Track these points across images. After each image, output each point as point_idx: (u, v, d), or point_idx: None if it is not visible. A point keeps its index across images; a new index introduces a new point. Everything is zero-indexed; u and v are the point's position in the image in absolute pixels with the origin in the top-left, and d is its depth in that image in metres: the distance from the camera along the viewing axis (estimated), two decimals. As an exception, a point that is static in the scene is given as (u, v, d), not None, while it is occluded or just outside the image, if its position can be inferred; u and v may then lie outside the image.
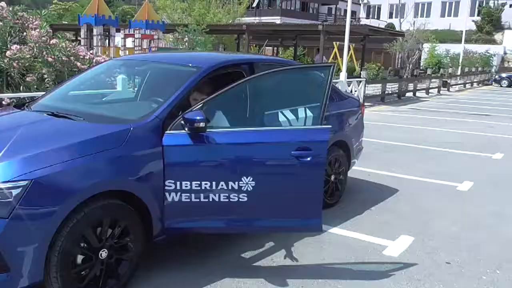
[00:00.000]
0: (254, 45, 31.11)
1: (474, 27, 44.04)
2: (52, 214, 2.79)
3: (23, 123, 3.48)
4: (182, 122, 3.35)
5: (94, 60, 8.79)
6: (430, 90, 23.19)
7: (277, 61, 4.87)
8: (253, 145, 3.48)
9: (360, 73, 18.80)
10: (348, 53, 16.83)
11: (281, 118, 3.86)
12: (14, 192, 2.70)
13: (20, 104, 4.18)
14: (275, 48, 36.78)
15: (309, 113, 3.82)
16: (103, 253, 3.09)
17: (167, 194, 3.34)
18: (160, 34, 17.85)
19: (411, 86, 21.42)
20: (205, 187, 3.37)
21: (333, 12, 55.73)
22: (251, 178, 3.41)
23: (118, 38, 18.64)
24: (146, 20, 17.45)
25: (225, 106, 3.73)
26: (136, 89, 4.68)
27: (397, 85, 20.13)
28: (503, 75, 33.23)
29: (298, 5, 51.92)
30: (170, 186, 3.33)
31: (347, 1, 14.92)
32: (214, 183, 3.38)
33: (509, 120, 13.83)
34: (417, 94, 21.70)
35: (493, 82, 33.18)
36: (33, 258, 2.78)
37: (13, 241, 2.70)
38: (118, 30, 18.82)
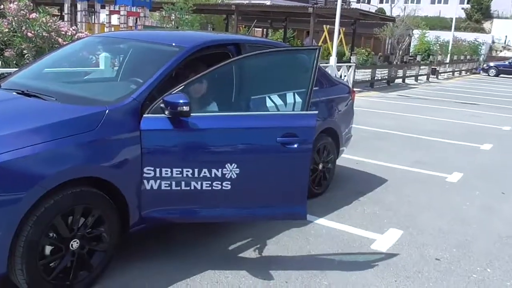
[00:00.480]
0: (243, 26, 30.61)
1: (463, 15, 43.95)
2: (17, 201, 2.57)
3: (-11, 102, 3.22)
4: (162, 105, 3.12)
5: (76, 36, 8.45)
6: (419, 77, 23.10)
7: (265, 43, 4.63)
8: (238, 131, 3.28)
9: (350, 58, 18.62)
10: (338, 37, 16.58)
11: (268, 103, 3.64)
12: (-25, 177, 2.48)
13: (-11, 81, 3.89)
14: (265, 29, 36.31)
15: (297, 98, 3.60)
16: (74, 244, 2.88)
17: (145, 181, 3.13)
18: (146, 12, 17.35)
19: (400, 73, 21.29)
20: (187, 175, 3.17)
21: (323, -5, 55.09)
22: (235, 165, 3.22)
23: (103, 15, 18.11)
24: (132, -4, 16.94)
25: (207, 89, 3.51)
26: (116, 68, 4.42)
27: (387, 71, 19.98)
28: (491, 64, 33.24)
29: (288, -13, 51.15)
30: (149, 173, 3.12)
31: (338, -16, 14.60)
32: (196, 170, 3.18)
33: (497, 110, 13.79)
34: (406, 80, 21.60)
35: (481, 71, 33.20)
36: (-5, 248, 2.56)
37: (-27, 229, 2.48)
38: (103, 7, 18.25)
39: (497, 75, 31.60)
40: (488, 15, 44.84)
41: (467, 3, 45.77)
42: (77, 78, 4.29)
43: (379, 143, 8.05)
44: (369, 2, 51.12)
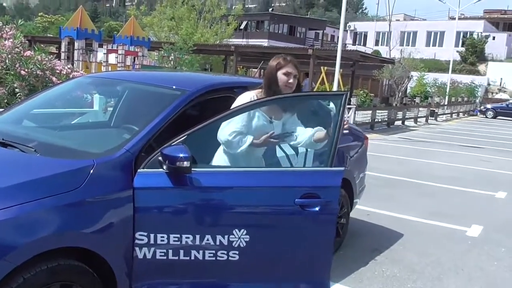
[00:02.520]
0: (241, 66, 30.62)
1: (458, 58, 44.40)
2: (-22, 281, 2.06)
3: (-45, 153, 2.74)
4: (160, 158, 2.66)
5: (71, 75, 8.12)
6: (418, 119, 22.88)
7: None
8: (248, 190, 2.80)
9: (350, 100, 18.35)
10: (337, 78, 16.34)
11: (282, 155, 3.18)
12: None
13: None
14: (261, 70, 36.42)
15: (315, 150, 3.15)
16: (49, 330, 2.35)
17: (137, 249, 2.63)
18: (145, 51, 17.18)
19: (400, 115, 21.06)
20: (186, 242, 2.68)
21: (319, 37, 55.86)
22: (245, 232, 2.73)
23: (100, 54, 17.89)
24: (131, 36, 16.79)
25: (213, 140, 3.05)
26: (108, 113, 3.97)
27: (386, 113, 19.72)
28: (488, 106, 33.21)
29: (285, 29, 51.89)
30: (142, 240, 2.62)
31: (333, 27, 14.51)
32: (197, 236, 2.69)
33: (503, 154, 13.39)
34: (406, 122, 21.35)
35: (478, 113, 33.13)
36: None
37: None
38: (101, 45, 18.08)
39: (494, 117, 31.48)
40: (482, 58, 45.34)
41: (462, 46, 46.35)
42: (64, 123, 3.84)
43: (390, 191, 7.56)
44: (364, 45, 51.75)
